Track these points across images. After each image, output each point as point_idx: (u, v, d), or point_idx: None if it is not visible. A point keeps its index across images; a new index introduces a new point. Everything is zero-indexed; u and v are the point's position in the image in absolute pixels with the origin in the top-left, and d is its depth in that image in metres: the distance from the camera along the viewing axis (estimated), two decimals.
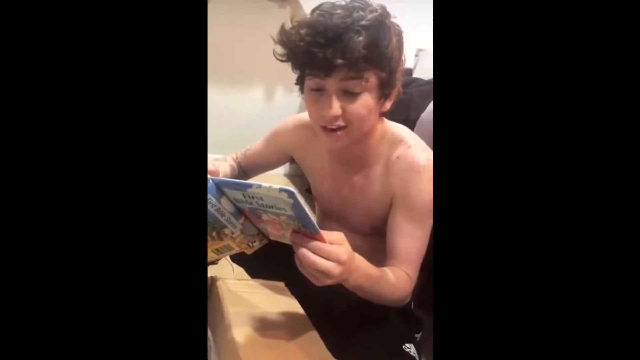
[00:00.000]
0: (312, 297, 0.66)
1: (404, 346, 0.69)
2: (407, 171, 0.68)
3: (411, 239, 0.67)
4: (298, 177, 1.96)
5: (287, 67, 0.67)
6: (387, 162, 0.71)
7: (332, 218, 0.81)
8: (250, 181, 0.48)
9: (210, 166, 0.64)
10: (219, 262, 0.85)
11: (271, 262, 0.74)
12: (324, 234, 0.49)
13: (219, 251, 0.59)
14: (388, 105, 0.67)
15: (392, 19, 0.63)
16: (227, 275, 0.73)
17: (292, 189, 0.44)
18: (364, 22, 0.58)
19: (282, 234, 0.53)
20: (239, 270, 0.85)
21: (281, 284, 0.73)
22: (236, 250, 0.59)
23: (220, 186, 0.51)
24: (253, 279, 0.78)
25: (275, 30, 0.63)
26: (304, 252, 0.48)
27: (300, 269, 0.50)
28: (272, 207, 0.48)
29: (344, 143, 0.66)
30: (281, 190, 0.45)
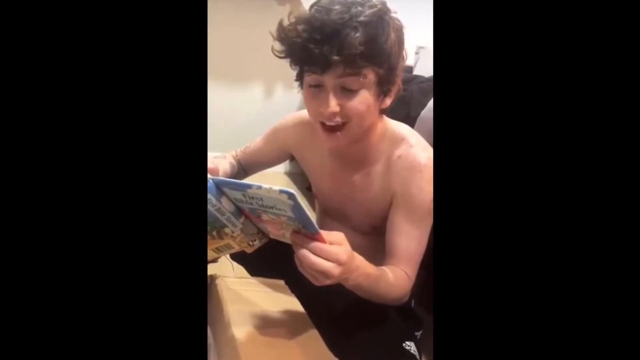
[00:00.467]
0: (312, 295, 0.66)
1: (404, 344, 0.69)
2: (408, 170, 0.68)
3: (410, 238, 0.67)
4: (298, 175, 1.96)
5: (286, 64, 0.67)
6: (388, 160, 0.70)
7: (332, 216, 0.81)
8: (250, 182, 0.48)
9: (209, 164, 0.64)
10: (219, 260, 0.85)
11: (271, 260, 0.74)
12: (324, 234, 0.49)
13: (219, 250, 0.59)
14: (388, 102, 0.67)
15: (393, 15, 0.62)
16: (227, 274, 0.73)
17: (292, 190, 0.44)
18: (362, 18, 0.57)
19: (282, 234, 0.53)
20: (239, 269, 0.84)
21: (281, 282, 0.73)
22: (236, 249, 0.59)
23: (220, 186, 0.50)
24: (253, 277, 0.78)
25: (274, 28, 0.63)
26: (304, 252, 0.48)
27: (300, 269, 0.50)
28: (272, 207, 0.48)
29: (343, 141, 0.66)
30: (281, 192, 0.44)
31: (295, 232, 0.50)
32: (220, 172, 0.77)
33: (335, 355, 0.57)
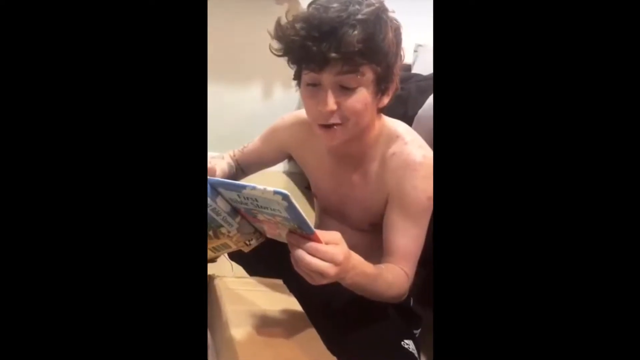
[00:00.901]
0: (310, 294, 0.66)
1: (402, 342, 0.69)
2: (402, 168, 0.68)
3: (407, 236, 0.67)
4: (297, 174, 1.95)
5: (285, 64, 0.67)
6: (383, 158, 0.70)
7: (331, 215, 0.81)
8: (245, 182, 0.48)
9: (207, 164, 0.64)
10: (218, 259, 0.85)
11: (269, 259, 0.74)
12: (320, 234, 0.49)
13: (216, 249, 0.59)
14: (385, 100, 0.67)
15: (390, 14, 0.62)
16: (226, 273, 0.73)
17: (286, 192, 0.44)
18: (359, 16, 0.57)
19: (278, 233, 0.53)
20: (237, 268, 0.85)
21: (279, 282, 0.73)
22: (233, 248, 0.59)
23: (215, 186, 0.50)
24: (251, 277, 0.78)
25: (273, 27, 0.63)
26: (299, 253, 0.48)
27: (296, 268, 0.50)
28: (267, 208, 0.48)
29: (341, 139, 0.66)
30: (275, 192, 0.44)
31: (291, 232, 0.50)
32: (218, 172, 0.78)
33: (334, 354, 0.57)
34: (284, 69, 0.67)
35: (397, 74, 0.66)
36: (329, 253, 0.49)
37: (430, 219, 0.69)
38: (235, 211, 0.53)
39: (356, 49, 0.57)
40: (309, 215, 0.48)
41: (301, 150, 0.81)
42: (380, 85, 0.64)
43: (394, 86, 0.66)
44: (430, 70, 1.52)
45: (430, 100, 1.17)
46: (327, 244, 0.49)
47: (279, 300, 0.67)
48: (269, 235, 0.57)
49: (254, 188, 0.46)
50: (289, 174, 2.10)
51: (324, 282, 0.50)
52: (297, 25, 0.59)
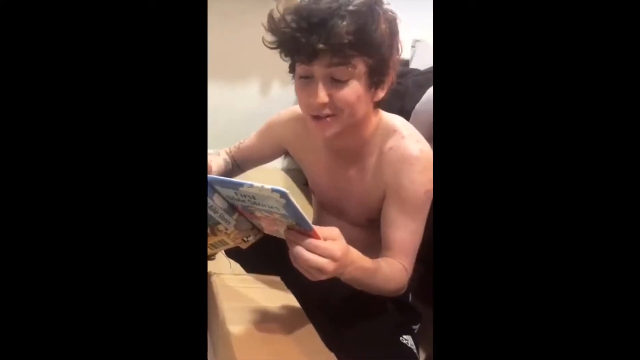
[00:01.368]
0: (307, 291, 0.66)
1: (401, 338, 0.69)
2: (399, 162, 0.67)
3: (405, 230, 0.67)
4: (295, 171, 1.95)
5: (282, 61, 0.66)
6: (380, 153, 0.70)
7: (328, 210, 0.80)
8: (242, 180, 0.47)
9: None
10: (216, 257, 0.84)
11: (267, 256, 0.73)
12: (318, 230, 0.49)
13: (213, 246, 0.59)
14: (381, 94, 0.66)
15: (385, 6, 0.62)
16: (223, 271, 0.73)
17: (284, 189, 0.44)
18: (350, 7, 0.57)
19: (276, 230, 0.53)
20: (235, 266, 0.84)
21: (277, 279, 0.73)
22: (231, 245, 0.58)
23: (212, 184, 0.50)
24: (248, 274, 0.77)
25: None
26: (298, 249, 0.48)
27: (294, 265, 0.50)
28: (264, 205, 0.48)
29: (333, 130, 0.65)
30: (273, 190, 0.44)
31: (289, 228, 0.49)
32: (214, 168, 0.77)
33: (332, 350, 0.57)
34: (281, 65, 0.67)
35: (394, 67, 0.65)
36: (328, 249, 0.48)
37: (430, 213, 0.68)
38: (232, 208, 0.53)
39: (346, 41, 0.57)
40: (306, 212, 0.48)
41: (298, 145, 0.80)
42: (373, 77, 0.63)
43: (390, 79, 0.66)
44: (427, 65, 1.52)
45: (427, 94, 1.16)
46: (325, 239, 0.49)
47: (276, 297, 0.67)
48: (266, 232, 0.57)
49: (251, 186, 0.45)
50: (287, 170, 2.09)
51: (323, 278, 0.50)
52: (288, 17, 0.59)
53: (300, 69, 0.62)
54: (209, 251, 0.60)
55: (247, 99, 2.09)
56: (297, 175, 1.88)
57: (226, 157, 0.86)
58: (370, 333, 0.66)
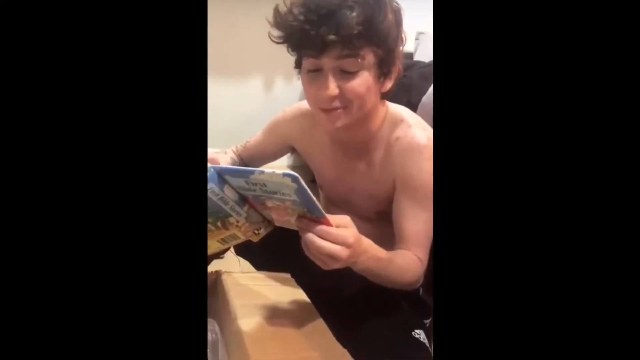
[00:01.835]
0: (318, 287, 0.66)
1: (413, 332, 0.69)
2: (407, 151, 0.67)
3: (417, 221, 0.66)
4: (301, 168, 1.95)
5: (286, 57, 0.66)
6: (388, 143, 0.69)
7: (337, 205, 0.80)
8: (252, 168, 0.47)
9: (210, 156, 0.63)
10: (225, 255, 0.85)
11: (276, 254, 0.73)
12: (330, 217, 0.49)
13: (224, 241, 0.58)
14: (388, 85, 0.66)
15: None
16: (233, 269, 0.73)
17: (295, 173, 0.43)
18: None
19: (287, 220, 0.53)
20: (244, 264, 0.84)
21: (287, 275, 0.73)
22: (242, 238, 0.58)
23: (222, 174, 0.50)
24: (259, 272, 0.78)
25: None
26: (310, 237, 0.48)
27: (307, 253, 0.50)
28: (276, 192, 0.47)
29: (344, 122, 0.64)
30: (284, 175, 0.44)
31: (301, 216, 0.49)
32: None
33: (344, 345, 0.56)
34: (285, 62, 0.66)
35: (399, 57, 0.65)
36: (340, 235, 0.48)
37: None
38: (243, 199, 0.53)
39: (355, 32, 0.56)
40: (315, 200, 0.47)
41: (304, 141, 0.80)
42: (382, 68, 0.62)
43: (397, 70, 0.65)
44: (432, 58, 1.50)
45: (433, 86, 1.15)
46: (337, 227, 0.49)
47: (287, 294, 0.67)
48: (277, 224, 0.56)
49: (262, 172, 0.45)
50: (293, 167, 2.09)
51: (337, 266, 0.50)
52: (295, 10, 0.58)
53: (308, 62, 0.62)
54: (221, 246, 0.60)
55: (250, 97, 2.09)
56: (304, 172, 1.87)
57: (233, 155, 0.87)
58: (383, 328, 0.66)
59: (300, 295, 0.67)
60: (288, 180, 0.44)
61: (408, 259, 0.64)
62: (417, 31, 1.95)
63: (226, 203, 0.51)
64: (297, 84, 2.17)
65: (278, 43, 0.62)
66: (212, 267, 0.74)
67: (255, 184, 0.48)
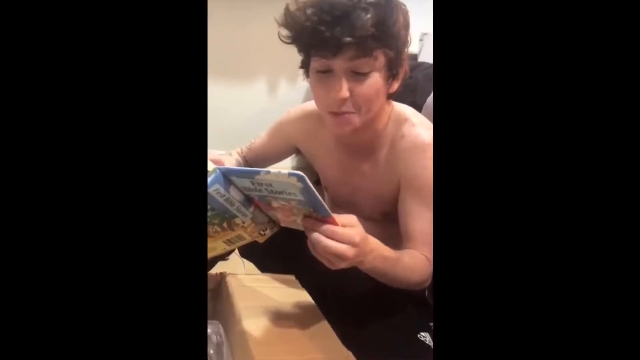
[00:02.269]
0: (323, 288, 0.65)
1: (419, 335, 0.68)
2: (411, 150, 0.67)
3: (423, 219, 0.66)
4: (305, 169, 1.95)
5: (290, 58, 0.66)
6: (392, 143, 0.69)
7: (342, 206, 0.80)
8: (258, 168, 0.47)
9: (215, 158, 0.63)
10: (230, 257, 0.85)
11: (280, 255, 0.73)
12: (336, 216, 0.48)
13: (230, 242, 0.58)
14: (396, 86, 0.66)
15: None
16: (237, 271, 0.73)
17: (301, 173, 0.43)
18: (370, 0, 0.57)
19: (293, 220, 0.53)
20: (249, 265, 0.84)
21: (292, 277, 0.73)
22: (248, 239, 0.58)
23: (228, 175, 0.50)
24: (263, 274, 0.77)
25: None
26: (317, 236, 0.47)
27: (313, 253, 0.49)
28: (281, 192, 0.47)
29: (352, 126, 0.64)
30: (290, 174, 0.44)
31: (307, 216, 0.49)
32: None
33: (348, 348, 0.56)
34: (289, 64, 0.66)
35: (406, 59, 0.65)
36: (347, 235, 0.48)
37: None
38: (248, 200, 0.53)
39: (369, 33, 0.56)
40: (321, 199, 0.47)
41: (309, 142, 0.80)
42: (392, 70, 0.63)
43: (404, 71, 0.65)
44: None
45: None
46: (343, 226, 0.48)
47: (291, 296, 0.67)
48: (283, 224, 0.56)
49: (268, 172, 0.45)
50: (297, 169, 2.09)
51: (343, 265, 0.49)
52: (308, 11, 0.58)
53: (318, 63, 0.61)
54: (226, 247, 0.60)
55: (255, 98, 2.10)
56: (308, 173, 1.87)
57: (238, 157, 0.87)
58: (387, 330, 0.65)
59: (305, 297, 0.67)
60: (294, 180, 0.44)
61: (416, 258, 0.64)
62: (421, 32, 1.95)
63: (232, 204, 0.51)
64: (301, 86, 2.18)
65: (287, 43, 0.62)
66: (216, 269, 0.74)
67: (261, 185, 0.48)
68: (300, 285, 0.71)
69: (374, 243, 0.54)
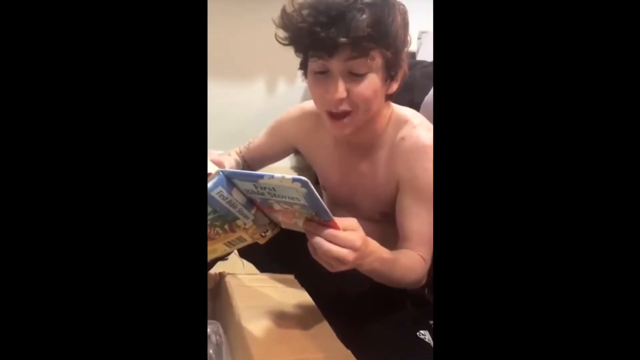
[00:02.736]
0: (322, 288, 0.66)
1: (418, 333, 0.68)
2: (412, 152, 0.67)
3: (421, 220, 0.66)
4: (304, 170, 1.95)
5: (288, 59, 0.66)
6: (392, 144, 0.69)
7: (341, 206, 0.80)
8: (262, 172, 0.47)
9: (215, 158, 0.63)
10: (229, 257, 0.85)
11: (280, 255, 0.73)
12: (337, 220, 0.49)
13: (231, 244, 0.58)
14: (394, 86, 0.66)
15: None
16: (236, 271, 0.73)
17: (305, 178, 0.43)
18: (367, 0, 0.56)
19: (294, 222, 0.53)
20: (248, 265, 0.84)
21: (291, 277, 0.73)
22: (249, 241, 0.58)
23: (231, 178, 0.50)
24: (262, 273, 0.77)
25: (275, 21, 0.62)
26: (318, 240, 0.48)
27: (314, 256, 0.50)
28: (284, 196, 0.47)
29: (350, 129, 0.65)
30: (294, 180, 0.44)
31: (308, 220, 0.49)
32: (226, 168, 0.77)
33: (348, 347, 0.56)
34: (287, 64, 0.66)
35: (406, 59, 0.65)
36: (348, 239, 0.48)
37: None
38: (251, 203, 0.53)
39: (365, 34, 0.56)
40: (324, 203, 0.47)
41: (308, 142, 0.80)
42: (390, 70, 0.63)
43: (403, 71, 0.65)
44: None
45: None
46: (344, 230, 0.49)
47: (291, 296, 0.67)
48: (284, 226, 0.56)
49: (272, 177, 0.45)
50: (296, 169, 2.09)
51: (343, 268, 0.50)
52: (304, 12, 0.58)
53: (315, 64, 0.61)
54: (227, 249, 0.60)
55: (254, 99, 2.10)
56: (307, 173, 1.88)
57: (237, 157, 0.87)
58: (387, 329, 0.66)
59: (304, 296, 0.67)
60: (298, 185, 0.44)
61: (412, 259, 0.64)
62: (419, 30, 1.95)
63: (234, 206, 0.51)
64: (299, 86, 2.18)
65: (284, 44, 0.62)
66: (215, 269, 0.74)
67: (264, 188, 0.48)
68: (299, 285, 0.71)
69: (374, 246, 0.55)
